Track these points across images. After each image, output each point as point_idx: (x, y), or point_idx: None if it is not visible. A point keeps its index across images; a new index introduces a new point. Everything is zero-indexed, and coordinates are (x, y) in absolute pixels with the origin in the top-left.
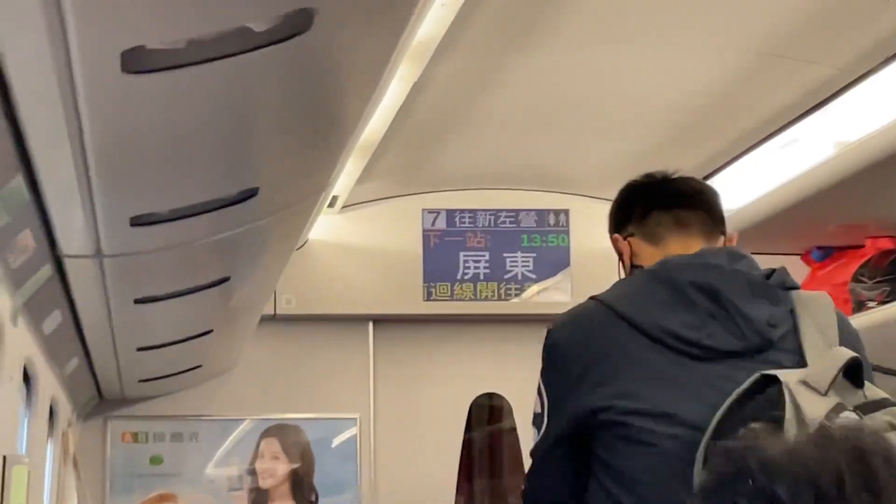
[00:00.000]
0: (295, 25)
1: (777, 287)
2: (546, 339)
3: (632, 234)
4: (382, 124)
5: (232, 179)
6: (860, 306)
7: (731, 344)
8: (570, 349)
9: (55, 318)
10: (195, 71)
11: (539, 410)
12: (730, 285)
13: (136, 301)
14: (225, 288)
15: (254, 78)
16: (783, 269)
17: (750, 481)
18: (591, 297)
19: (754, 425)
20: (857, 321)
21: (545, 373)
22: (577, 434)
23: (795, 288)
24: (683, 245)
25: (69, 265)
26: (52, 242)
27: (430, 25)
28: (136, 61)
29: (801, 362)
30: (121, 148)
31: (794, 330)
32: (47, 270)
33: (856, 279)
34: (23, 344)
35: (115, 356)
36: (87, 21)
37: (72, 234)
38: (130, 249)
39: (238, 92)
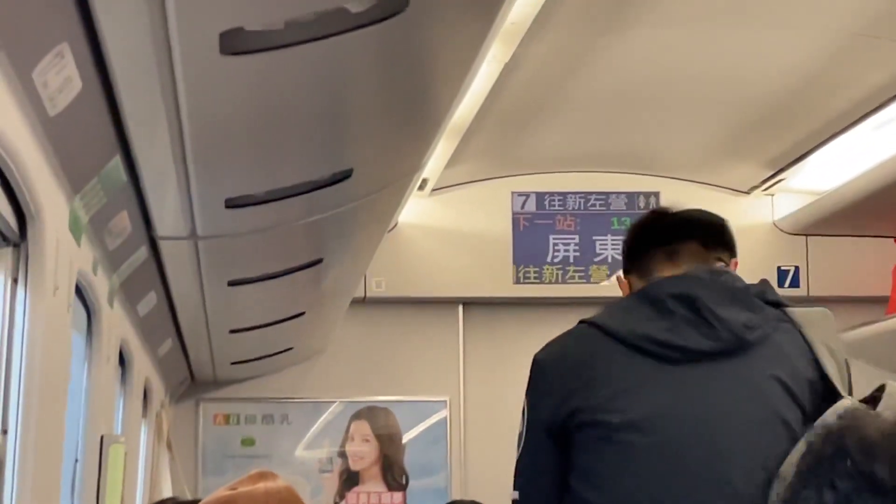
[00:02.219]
0: (391, 6)
1: (758, 297)
2: (531, 364)
3: (629, 273)
4: (473, 106)
5: (326, 161)
6: None
7: (703, 344)
8: (550, 367)
9: (150, 300)
10: (292, 52)
11: (521, 430)
12: (708, 292)
13: (230, 283)
14: (317, 270)
15: (349, 59)
16: (765, 282)
17: (848, 461)
18: (581, 321)
19: (853, 406)
20: None
21: (528, 393)
22: (554, 439)
23: (777, 302)
24: (672, 272)
25: (164, 247)
26: (147, 224)
27: (523, 5)
28: (235, 42)
29: (791, 369)
30: (217, 130)
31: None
32: (143, 252)
33: None
34: (119, 325)
35: (208, 338)
36: (186, 2)
37: (167, 216)
38: (225, 231)
39: (333, 73)
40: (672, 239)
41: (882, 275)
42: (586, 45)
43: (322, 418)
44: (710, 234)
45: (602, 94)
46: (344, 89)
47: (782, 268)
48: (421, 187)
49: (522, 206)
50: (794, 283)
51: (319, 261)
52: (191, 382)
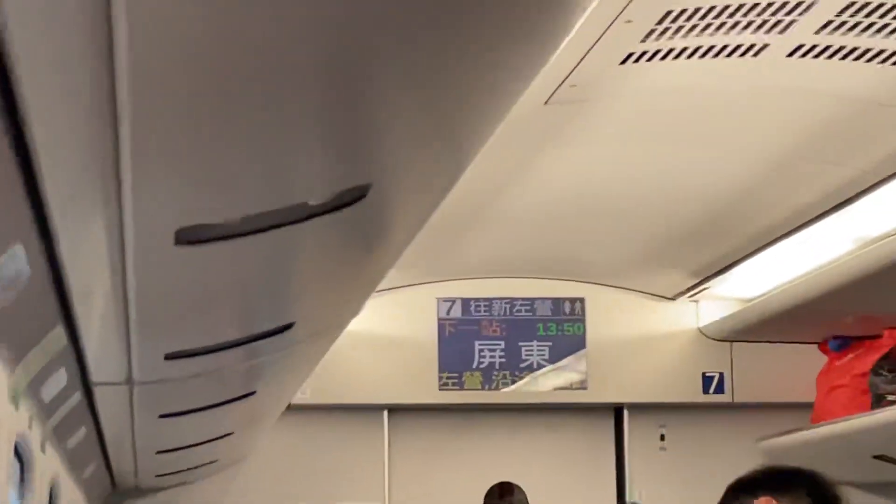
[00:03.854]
0: (349, 196)
1: None
2: None
3: None
4: None
5: (269, 318)
6: (879, 399)
7: None
8: None
9: (79, 435)
10: (246, 240)
11: None
12: None
13: (161, 416)
14: (250, 400)
15: (305, 244)
16: None
17: None
18: None
19: None
20: (877, 416)
21: None
22: None
23: None
24: None
25: (98, 391)
26: (83, 371)
27: None
28: (190, 235)
29: None
30: (164, 304)
31: None
32: (77, 397)
33: (875, 372)
34: (50, 468)
35: (134, 459)
36: (144, 205)
37: (105, 366)
38: (162, 378)
39: (288, 256)
40: None
41: (806, 382)
42: (512, 164)
43: None
44: None
45: (529, 206)
46: (292, 266)
47: (707, 374)
48: None
49: (448, 312)
50: (719, 390)
51: (252, 393)
52: (112, 490)
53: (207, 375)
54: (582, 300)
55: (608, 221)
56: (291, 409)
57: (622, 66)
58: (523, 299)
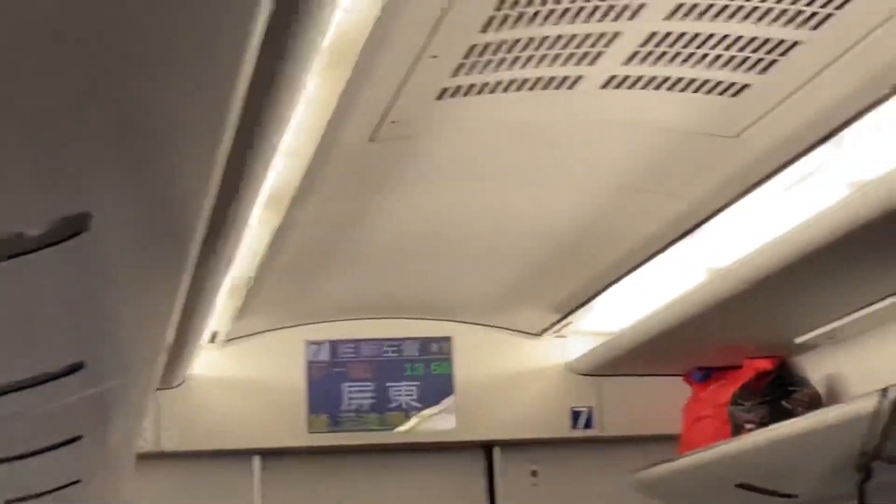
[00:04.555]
0: (69, 229)
1: None
2: None
3: None
4: (251, 264)
5: (47, 358)
6: (738, 429)
7: None
8: None
9: None
10: None
11: None
12: None
13: None
14: (80, 446)
15: (31, 278)
16: None
17: None
18: None
19: None
20: (736, 444)
21: None
22: None
23: None
24: None
25: None
26: None
27: (285, 172)
28: None
29: None
30: None
31: None
32: None
33: (734, 402)
34: None
35: None
36: None
37: None
38: None
39: (21, 290)
40: None
41: (673, 413)
42: (361, 205)
43: None
44: None
45: (388, 246)
46: (41, 303)
47: (575, 409)
48: (212, 339)
49: (316, 355)
50: (588, 424)
51: (78, 438)
52: None
53: (5, 421)
54: (449, 339)
55: (465, 260)
56: (161, 456)
57: (439, 101)
58: (391, 340)
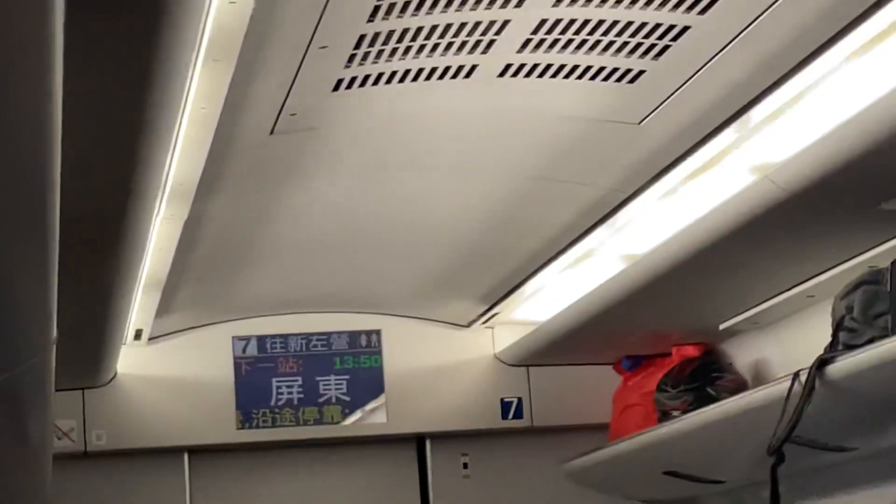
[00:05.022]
0: None
1: None
2: None
3: None
4: (164, 260)
5: None
6: (665, 416)
7: None
8: None
9: None
10: None
11: None
12: None
13: None
14: None
15: None
16: None
17: None
18: None
19: None
20: (661, 431)
21: None
22: None
23: None
24: None
25: None
26: None
27: (185, 168)
28: None
29: None
30: None
31: None
32: None
33: (660, 389)
34: None
35: None
36: None
37: None
38: None
39: None
40: None
41: (603, 402)
42: (273, 197)
43: None
44: None
45: (307, 240)
46: None
47: (505, 399)
48: (137, 337)
49: (244, 351)
50: (518, 415)
51: None
52: None
53: None
54: (378, 332)
55: (386, 252)
56: (88, 456)
57: (336, 92)
58: (319, 334)
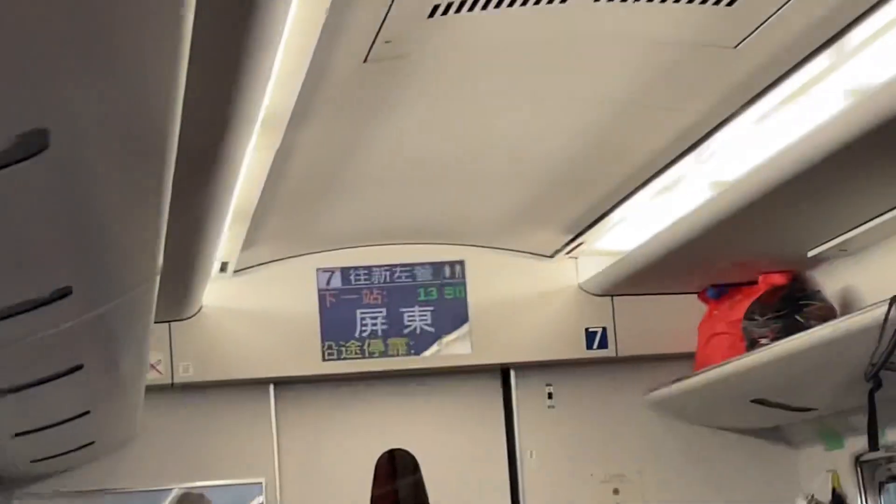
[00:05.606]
0: (29, 148)
1: None
2: None
3: None
4: (254, 192)
5: (32, 284)
6: (753, 344)
7: None
8: None
9: None
10: None
11: None
12: None
13: None
14: (82, 375)
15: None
16: None
17: None
18: None
19: None
20: (750, 359)
21: None
22: None
23: None
24: None
25: None
26: None
27: (278, 98)
28: None
29: None
30: None
31: None
32: None
33: (748, 317)
34: None
35: None
36: None
37: None
38: None
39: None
40: None
41: (688, 331)
42: (364, 127)
43: None
44: None
45: (394, 170)
46: (12, 223)
47: (590, 329)
48: (223, 269)
49: (328, 283)
50: (603, 345)
51: (80, 367)
52: (0, 480)
53: (5, 349)
54: (462, 263)
55: (474, 182)
56: (175, 387)
57: (431, 19)
58: (403, 265)
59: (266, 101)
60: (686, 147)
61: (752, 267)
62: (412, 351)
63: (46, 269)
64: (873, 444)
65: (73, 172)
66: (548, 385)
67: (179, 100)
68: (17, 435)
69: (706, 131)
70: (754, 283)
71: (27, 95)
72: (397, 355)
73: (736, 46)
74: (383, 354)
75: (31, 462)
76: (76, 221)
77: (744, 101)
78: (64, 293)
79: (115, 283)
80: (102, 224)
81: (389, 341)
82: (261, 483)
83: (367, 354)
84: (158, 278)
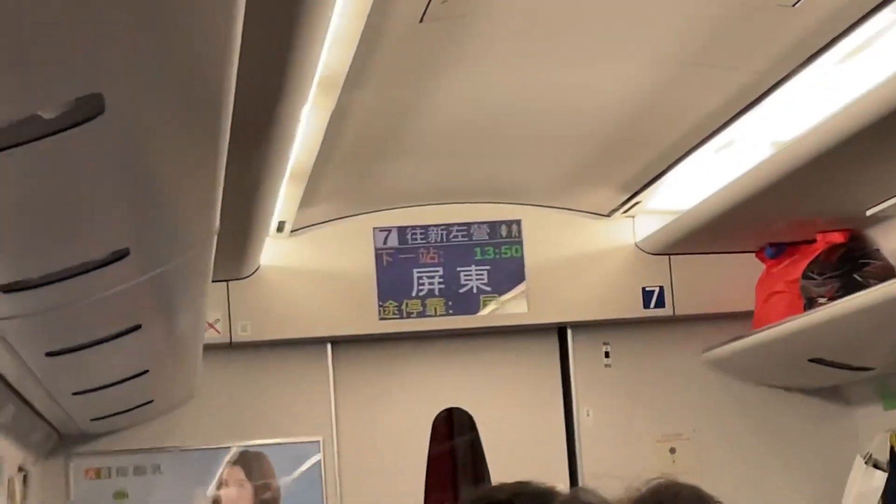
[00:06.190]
0: (87, 111)
1: None
2: None
3: None
4: (310, 151)
5: (91, 245)
6: (811, 303)
7: None
8: None
9: None
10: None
11: None
12: None
13: (48, 354)
14: (141, 334)
15: (52, 163)
16: None
17: None
18: None
19: None
20: (808, 318)
21: None
22: None
23: None
24: None
25: None
26: None
27: (335, 58)
28: None
29: None
30: None
31: None
32: None
33: (806, 276)
34: None
35: (53, 400)
36: None
37: None
38: (15, 313)
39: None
40: None
41: (746, 290)
42: (420, 87)
43: (195, 466)
44: None
45: (450, 130)
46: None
47: (647, 288)
48: (280, 229)
49: (384, 242)
50: (660, 304)
51: (138, 327)
52: (59, 439)
53: (64, 310)
54: (518, 222)
55: (530, 141)
56: (233, 346)
57: None
58: (459, 224)
59: (322, 61)
60: (744, 105)
61: (810, 226)
62: (468, 310)
63: (104, 231)
64: None
65: (129, 135)
66: (605, 344)
67: (235, 60)
68: (76, 393)
69: (765, 90)
70: (812, 241)
71: (82, 60)
72: (453, 314)
73: (794, 4)
74: (439, 314)
75: (91, 420)
76: (133, 184)
77: (802, 60)
78: (121, 255)
79: (172, 244)
80: (159, 186)
81: (446, 300)
82: (318, 441)
83: (423, 314)
84: (215, 239)
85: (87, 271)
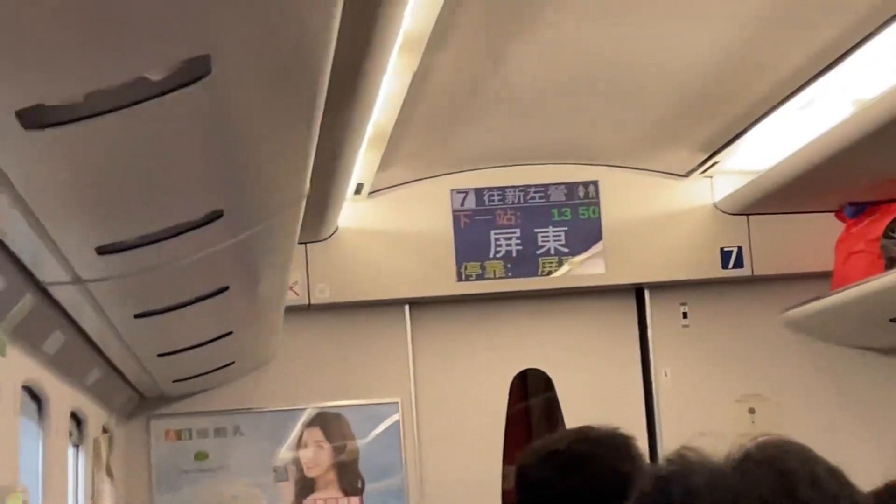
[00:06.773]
0: (194, 70)
1: None
2: None
3: None
4: (390, 114)
5: (187, 207)
6: (892, 262)
7: None
8: None
9: (57, 339)
10: (103, 121)
11: None
12: None
13: (136, 316)
14: (227, 297)
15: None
16: None
17: None
18: None
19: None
20: (889, 278)
21: None
22: None
23: None
24: None
25: (55, 291)
26: (28, 273)
27: (418, 19)
28: (35, 118)
29: None
30: (55, 192)
31: None
32: (30, 299)
33: (887, 235)
34: (17, 372)
35: (138, 362)
36: None
37: (43, 265)
38: (107, 275)
39: (150, 138)
40: None
41: (825, 250)
42: (498, 47)
43: (274, 427)
44: None
45: (528, 91)
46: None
47: (725, 249)
48: (358, 191)
49: (462, 204)
50: (738, 264)
51: (225, 288)
52: (140, 400)
53: (155, 271)
54: (595, 183)
55: (608, 101)
56: (312, 308)
57: None
58: (536, 186)
59: (405, 23)
60: (826, 65)
61: (892, 185)
62: (546, 271)
63: (199, 193)
64: None
65: (231, 97)
66: (682, 304)
67: (336, 24)
68: (161, 355)
69: (847, 48)
70: (893, 200)
71: (190, 21)
72: (531, 275)
73: None
74: (518, 275)
75: (173, 382)
76: (230, 145)
77: (885, 19)
78: (215, 216)
79: (264, 206)
80: (255, 147)
81: (523, 261)
82: (396, 402)
83: (501, 275)
84: (304, 201)
85: (181, 233)
